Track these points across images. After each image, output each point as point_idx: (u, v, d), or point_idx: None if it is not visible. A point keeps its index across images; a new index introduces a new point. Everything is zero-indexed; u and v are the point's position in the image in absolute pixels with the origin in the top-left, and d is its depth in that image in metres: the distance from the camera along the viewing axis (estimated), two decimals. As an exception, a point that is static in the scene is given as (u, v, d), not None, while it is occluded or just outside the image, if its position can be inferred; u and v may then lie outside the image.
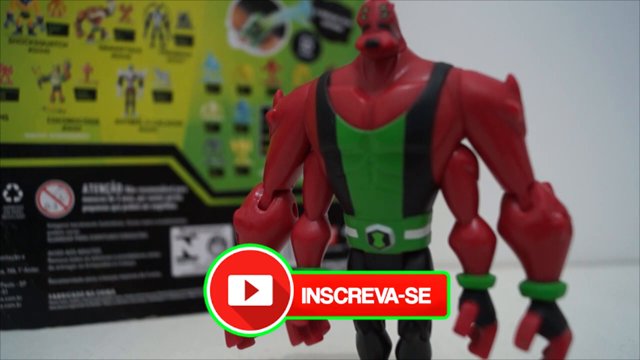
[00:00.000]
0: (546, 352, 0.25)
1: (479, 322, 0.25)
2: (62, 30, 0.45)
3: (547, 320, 0.24)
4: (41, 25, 0.44)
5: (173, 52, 0.49)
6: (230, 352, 0.34)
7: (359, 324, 0.28)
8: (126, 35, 0.47)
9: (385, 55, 0.24)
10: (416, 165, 0.24)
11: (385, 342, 0.29)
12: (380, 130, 0.24)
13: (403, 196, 0.25)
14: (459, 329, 0.25)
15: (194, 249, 0.49)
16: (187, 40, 0.49)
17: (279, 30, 0.53)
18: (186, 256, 0.49)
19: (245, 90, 0.52)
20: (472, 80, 0.24)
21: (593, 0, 0.72)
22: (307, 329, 0.29)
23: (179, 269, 0.48)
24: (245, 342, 0.30)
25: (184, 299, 0.48)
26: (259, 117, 0.52)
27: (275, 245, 0.29)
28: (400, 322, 0.27)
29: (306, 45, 0.54)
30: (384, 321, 0.29)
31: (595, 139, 0.72)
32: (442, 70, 0.24)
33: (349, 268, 0.28)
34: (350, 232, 0.27)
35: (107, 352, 0.37)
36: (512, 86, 0.24)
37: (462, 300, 0.25)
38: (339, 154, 0.25)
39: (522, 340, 0.24)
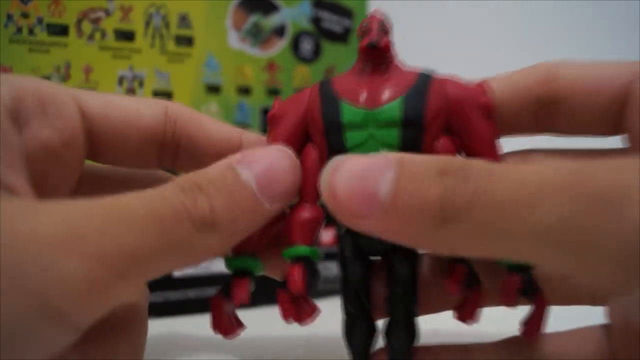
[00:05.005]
0: (526, 322, 0.27)
1: (467, 283, 0.26)
2: (62, 30, 0.45)
3: (526, 279, 0.26)
4: (41, 26, 0.44)
5: (173, 52, 0.49)
6: (230, 352, 0.34)
7: (350, 305, 0.29)
8: (126, 36, 0.47)
9: (382, 55, 0.27)
10: (410, 136, 0.27)
11: (373, 327, 0.29)
12: (381, 109, 0.27)
13: None
14: (451, 287, 0.26)
15: (193, 250, 0.49)
16: (187, 41, 0.49)
17: (279, 31, 0.53)
18: (186, 256, 0.48)
19: (245, 90, 0.52)
20: (453, 84, 0.28)
21: (593, 0, 0.72)
22: (300, 304, 0.28)
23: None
24: (230, 329, 0.29)
25: (184, 299, 0.48)
26: (259, 117, 0.52)
27: (265, 232, 0.29)
28: (389, 298, 0.28)
29: (306, 46, 0.54)
30: (369, 303, 0.29)
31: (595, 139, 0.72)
32: (426, 75, 0.28)
33: (341, 250, 0.29)
34: None
35: None
36: (484, 89, 0.28)
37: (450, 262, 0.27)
38: (343, 130, 0.27)
39: (508, 297, 0.26)
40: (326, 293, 0.49)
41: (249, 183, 0.24)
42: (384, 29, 0.27)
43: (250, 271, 0.29)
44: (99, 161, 0.29)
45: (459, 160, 0.21)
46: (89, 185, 0.29)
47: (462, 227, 0.20)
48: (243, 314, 0.29)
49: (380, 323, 0.29)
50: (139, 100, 0.29)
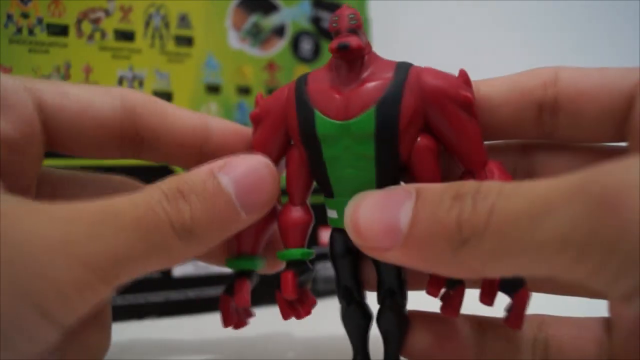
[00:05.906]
0: (509, 309, 0.27)
1: (449, 284, 0.27)
2: (62, 30, 0.45)
3: (506, 278, 0.26)
4: (41, 26, 0.44)
5: (173, 52, 0.49)
6: (229, 352, 0.34)
7: (342, 296, 0.30)
8: (126, 36, 0.47)
9: (354, 56, 0.27)
10: (385, 147, 0.27)
11: (367, 313, 0.30)
12: (355, 120, 0.27)
13: (376, 175, 0.27)
14: (433, 294, 0.27)
15: (194, 249, 0.49)
16: (187, 41, 0.49)
17: (279, 31, 0.53)
18: (186, 256, 0.48)
19: (245, 90, 0.52)
20: (430, 76, 0.27)
21: (593, 0, 0.72)
22: (296, 304, 0.29)
23: (179, 269, 0.48)
24: (239, 322, 0.31)
25: (184, 299, 0.48)
26: (258, 117, 0.52)
27: (262, 231, 0.30)
28: (379, 291, 0.29)
29: (306, 46, 0.54)
30: (364, 291, 0.30)
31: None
32: (403, 68, 0.27)
33: (331, 248, 0.29)
34: (331, 213, 0.29)
35: (107, 352, 0.37)
36: (465, 79, 0.27)
37: None
38: (318, 142, 0.27)
39: (486, 297, 0.26)
40: (326, 293, 0.49)
41: (229, 191, 0.25)
42: (354, 27, 0.27)
43: (250, 270, 0.30)
44: (59, 151, 0.29)
45: (471, 183, 0.22)
46: (49, 189, 0.30)
47: (479, 246, 0.20)
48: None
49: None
50: (94, 89, 0.29)
